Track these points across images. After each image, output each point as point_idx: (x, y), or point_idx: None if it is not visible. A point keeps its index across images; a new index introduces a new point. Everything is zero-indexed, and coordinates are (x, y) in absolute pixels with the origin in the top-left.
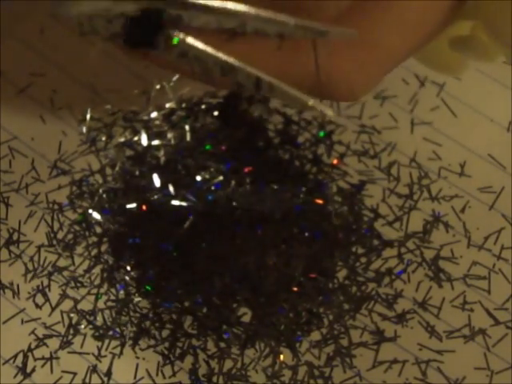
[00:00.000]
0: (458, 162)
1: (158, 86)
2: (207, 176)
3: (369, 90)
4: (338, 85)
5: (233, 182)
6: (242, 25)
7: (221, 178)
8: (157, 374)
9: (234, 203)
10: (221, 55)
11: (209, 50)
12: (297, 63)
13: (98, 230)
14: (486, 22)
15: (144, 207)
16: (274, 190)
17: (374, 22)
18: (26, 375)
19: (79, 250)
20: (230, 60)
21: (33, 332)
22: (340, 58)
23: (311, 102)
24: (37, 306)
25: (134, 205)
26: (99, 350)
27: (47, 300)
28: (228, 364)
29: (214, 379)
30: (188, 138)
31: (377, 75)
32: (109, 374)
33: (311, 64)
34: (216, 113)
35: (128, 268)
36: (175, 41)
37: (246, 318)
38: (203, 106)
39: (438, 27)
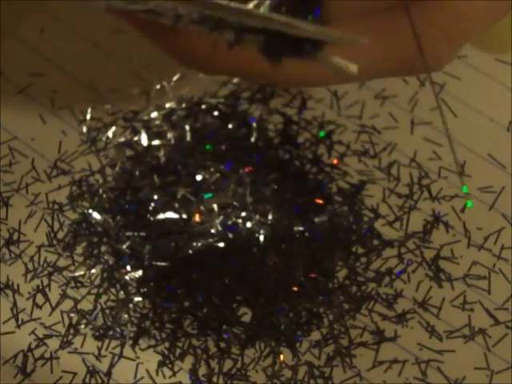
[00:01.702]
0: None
1: (158, 86)
2: (207, 176)
3: (453, 58)
4: (426, 53)
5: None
6: (264, 27)
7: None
8: (157, 374)
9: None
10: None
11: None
12: (390, 42)
13: (98, 229)
14: None
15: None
16: (274, 190)
17: None
18: (26, 375)
19: (79, 249)
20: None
21: (33, 332)
22: (428, 28)
23: (337, 33)
24: (37, 305)
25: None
26: (99, 350)
27: (47, 300)
28: (228, 364)
29: (214, 379)
30: (188, 137)
31: (460, 42)
32: (109, 373)
33: (404, 38)
34: (216, 113)
35: (128, 268)
36: None
37: (246, 318)
38: (203, 106)
39: None
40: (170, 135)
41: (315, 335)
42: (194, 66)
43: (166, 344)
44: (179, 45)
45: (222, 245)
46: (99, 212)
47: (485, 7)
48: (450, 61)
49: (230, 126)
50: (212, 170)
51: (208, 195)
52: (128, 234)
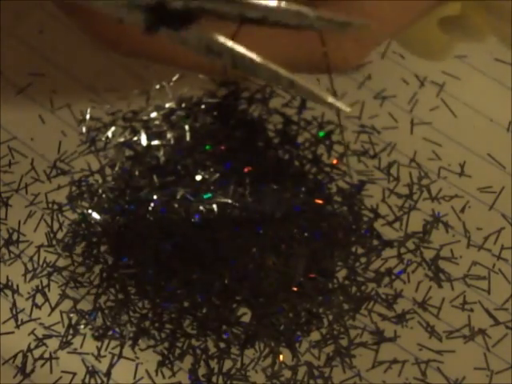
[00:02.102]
0: (457, 162)
1: (157, 86)
2: (207, 176)
3: (362, 58)
4: (332, 54)
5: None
6: (264, 16)
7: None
8: (156, 374)
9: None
10: (242, 50)
11: (231, 44)
12: (297, 41)
13: (98, 229)
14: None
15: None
16: (274, 190)
17: None
18: (26, 375)
19: (78, 250)
20: (252, 55)
21: (32, 332)
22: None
23: (330, 98)
24: (36, 306)
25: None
26: (99, 350)
27: (47, 300)
28: (228, 364)
29: (214, 379)
30: (187, 137)
31: (368, 43)
32: (108, 374)
33: (310, 39)
34: (216, 113)
35: (128, 268)
36: None
37: (246, 318)
38: (203, 106)
39: (430, 2)
40: (169, 135)
41: (315, 335)
42: (105, 45)
43: (166, 344)
44: (90, 24)
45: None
46: (99, 212)
47: (391, 9)
48: (359, 60)
49: (230, 126)
50: (212, 170)
51: (208, 195)
52: (128, 234)
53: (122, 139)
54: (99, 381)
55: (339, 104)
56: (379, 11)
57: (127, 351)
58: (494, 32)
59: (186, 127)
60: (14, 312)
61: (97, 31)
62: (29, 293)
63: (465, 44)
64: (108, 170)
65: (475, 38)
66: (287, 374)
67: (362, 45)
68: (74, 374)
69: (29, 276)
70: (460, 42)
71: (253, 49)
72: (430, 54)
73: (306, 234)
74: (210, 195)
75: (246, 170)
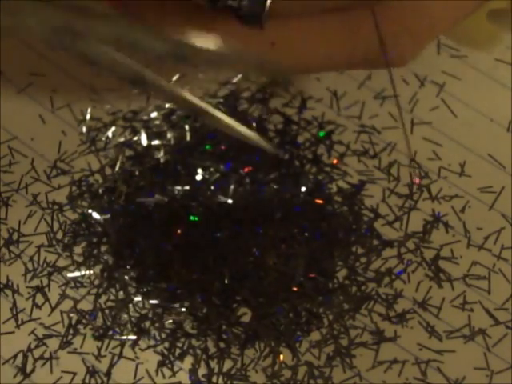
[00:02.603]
0: (457, 162)
1: None
2: (207, 176)
3: (417, 54)
4: (389, 49)
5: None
6: None
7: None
8: (156, 374)
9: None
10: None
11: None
12: (354, 37)
13: (98, 229)
14: None
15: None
16: (274, 190)
17: None
18: (26, 375)
19: (79, 250)
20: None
21: (32, 332)
22: (391, 24)
23: (255, 136)
24: (36, 306)
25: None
26: (99, 350)
27: (47, 300)
28: (228, 364)
29: (214, 379)
30: (188, 137)
31: (423, 40)
32: (108, 374)
33: (368, 33)
34: None
35: (128, 268)
36: None
37: (246, 318)
38: None
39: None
40: (169, 135)
41: (315, 335)
42: None
43: (166, 344)
44: None
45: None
46: (99, 212)
47: (443, 6)
48: (414, 57)
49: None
50: (212, 169)
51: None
52: (128, 234)
53: (122, 139)
54: (99, 381)
55: (264, 144)
56: (432, 9)
57: (127, 351)
58: None
59: (186, 127)
60: (14, 312)
61: None
62: (29, 293)
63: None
64: (108, 170)
65: None
66: (287, 374)
67: (417, 40)
68: (74, 373)
69: (29, 276)
70: (507, 34)
71: (306, 49)
72: (478, 44)
73: (306, 234)
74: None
75: (245, 169)
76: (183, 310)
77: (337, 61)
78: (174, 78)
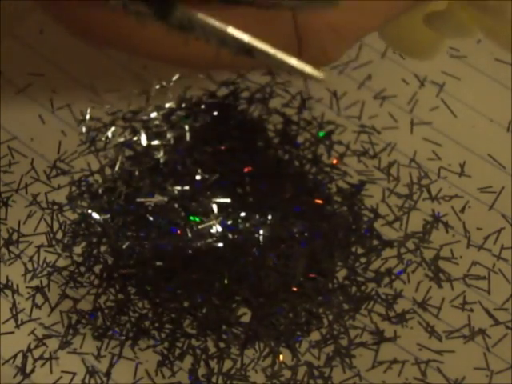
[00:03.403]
0: (457, 162)
1: (157, 86)
2: (207, 176)
3: (342, 52)
4: (311, 45)
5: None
6: None
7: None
8: (156, 374)
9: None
10: (218, 24)
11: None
12: (275, 30)
13: (98, 229)
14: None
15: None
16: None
17: None
18: (26, 375)
19: (78, 250)
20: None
21: (32, 332)
22: (313, 20)
23: (294, 61)
24: (36, 306)
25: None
26: (99, 350)
27: (46, 300)
28: (227, 364)
29: (214, 379)
30: (188, 137)
31: (349, 38)
32: (108, 374)
33: (287, 28)
34: (216, 113)
35: (128, 268)
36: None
37: (246, 318)
38: (203, 106)
39: None
40: (169, 135)
41: (315, 335)
42: (75, 32)
43: (166, 344)
44: (61, 10)
45: (221, 245)
46: (98, 212)
47: (372, 2)
48: (339, 55)
49: (230, 126)
50: (212, 169)
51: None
52: (128, 234)
53: (122, 139)
54: (99, 381)
55: (308, 69)
56: (359, 4)
57: (127, 351)
58: (480, 27)
59: (186, 127)
60: (14, 312)
61: (68, 18)
62: (29, 293)
63: (457, 41)
64: (108, 170)
65: (462, 34)
66: (287, 374)
67: (341, 37)
68: (74, 373)
69: (29, 276)
70: (447, 39)
71: None
72: (419, 53)
73: (305, 234)
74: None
75: (245, 169)
76: (183, 310)
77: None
78: (174, 78)
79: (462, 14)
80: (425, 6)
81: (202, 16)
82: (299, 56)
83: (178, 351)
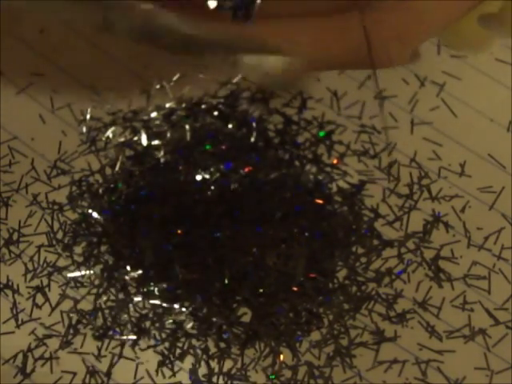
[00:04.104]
0: (458, 162)
1: (157, 86)
2: (207, 176)
3: (406, 57)
4: (378, 52)
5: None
6: None
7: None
8: (157, 374)
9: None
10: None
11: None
12: (346, 38)
13: (98, 229)
14: None
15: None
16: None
17: None
18: (26, 375)
19: (79, 250)
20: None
21: (32, 332)
22: (379, 29)
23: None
24: (37, 306)
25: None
26: (99, 350)
27: (47, 300)
28: (228, 364)
29: (214, 379)
30: (188, 137)
31: (412, 43)
32: (108, 374)
33: (356, 37)
34: (216, 113)
35: (128, 268)
36: None
37: (246, 318)
38: (203, 106)
39: (473, 2)
40: (169, 135)
41: (315, 335)
42: None
43: (166, 344)
44: None
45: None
46: (99, 212)
47: (434, 8)
48: (403, 60)
49: (230, 125)
50: (212, 169)
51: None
52: (127, 233)
53: (122, 139)
54: (99, 381)
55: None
56: (422, 10)
57: (127, 351)
58: None
59: (186, 127)
60: (14, 312)
61: None
62: (29, 293)
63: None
64: (108, 170)
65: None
66: (287, 373)
67: (404, 44)
68: (75, 373)
69: (29, 276)
70: (497, 39)
71: (293, 50)
72: (468, 48)
73: (306, 234)
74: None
75: (246, 169)
76: (183, 310)
77: (325, 62)
78: (174, 78)
79: None
80: (480, 7)
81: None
82: (370, 62)
83: (178, 351)
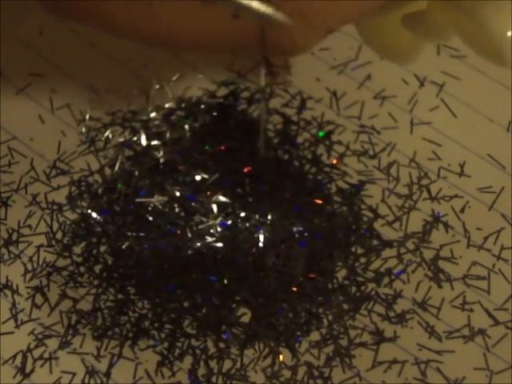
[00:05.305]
0: (457, 162)
1: (157, 86)
2: (207, 176)
3: (312, 41)
4: (280, 31)
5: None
6: None
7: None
8: (156, 374)
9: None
10: None
11: None
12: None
13: (98, 230)
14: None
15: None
16: (274, 190)
17: None
18: (25, 375)
19: (78, 250)
20: None
21: (32, 332)
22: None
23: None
24: (36, 306)
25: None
26: (98, 350)
27: (46, 300)
28: (227, 364)
29: (214, 379)
30: (187, 137)
31: (319, 27)
32: (108, 374)
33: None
34: (216, 113)
35: (128, 268)
36: None
37: (246, 319)
38: (202, 106)
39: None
40: (169, 135)
41: (314, 335)
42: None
43: (165, 344)
44: None
45: (220, 245)
46: (98, 212)
47: (338, 11)
48: (309, 45)
49: (230, 126)
50: (212, 169)
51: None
52: (127, 233)
53: (121, 139)
54: (99, 381)
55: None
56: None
57: (127, 351)
58: (457, 31)
59: (186, 127)
60: (14, 312)
61: None
62: (28, 293)
63: (456, 41)
64: (108, 170)
65: (437, 38)
66: (287, 374)
67: (310, 25)
68: (74, 374)
69: (28, 276)
70: (424, 42)
71: (185, 24)
72: (397, 56)
73: (305, 234)
74: None
75: (245, 169)
76: (183, 310)
77: (218, 40)
78: (174, 78)
79: (439, 16)
80: (405, 7)
81: None
82: (263, 43)
83: (177, 351)
